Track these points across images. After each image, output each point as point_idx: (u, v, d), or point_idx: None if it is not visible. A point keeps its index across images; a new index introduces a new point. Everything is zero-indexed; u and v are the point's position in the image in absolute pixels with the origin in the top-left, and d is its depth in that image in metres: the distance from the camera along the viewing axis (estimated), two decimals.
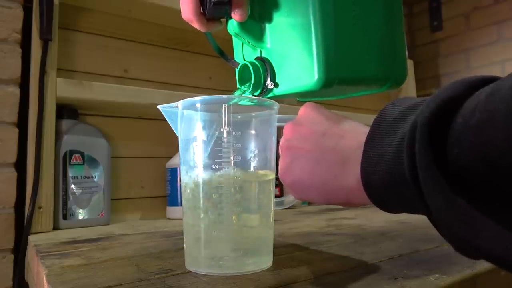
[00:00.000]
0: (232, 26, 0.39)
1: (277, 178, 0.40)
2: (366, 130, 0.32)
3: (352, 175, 0.30)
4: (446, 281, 0.35)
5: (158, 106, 0.41)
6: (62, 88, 0.71)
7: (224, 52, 0.44)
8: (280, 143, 0.38)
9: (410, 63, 1.45)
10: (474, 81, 0.23)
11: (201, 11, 0.38)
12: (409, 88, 1.45)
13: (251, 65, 0.40)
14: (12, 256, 0.66)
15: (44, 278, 0.39)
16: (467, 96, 0.22)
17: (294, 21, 0.37)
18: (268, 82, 0.39)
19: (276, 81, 0.39)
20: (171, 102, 0.40)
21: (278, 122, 0.42)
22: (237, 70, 0.44)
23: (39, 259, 0.46)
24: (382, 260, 0.43)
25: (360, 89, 0.41)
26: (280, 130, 0.42)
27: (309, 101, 0.40)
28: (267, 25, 0.40)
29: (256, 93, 0.41)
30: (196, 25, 0.39)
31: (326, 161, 0.33)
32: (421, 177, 0.23)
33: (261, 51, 0.41)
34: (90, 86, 0.74)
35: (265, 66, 0.40)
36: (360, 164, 0.29)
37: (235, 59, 0.45)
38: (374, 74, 0.39)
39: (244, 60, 0.43)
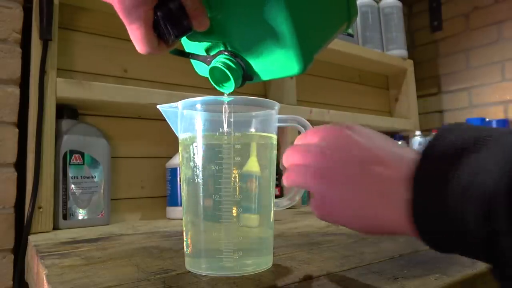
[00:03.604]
0: (195, 37, 0.37)
1: (277, 179, 0.40)
2: (407, 158, 0.29)
3: (393, 208, 0.28)
4: (446, 281, 0.35)
5: (158, 106, 0.41)
6: (62, 88, 0.71)
7: (186, 52, 0.43)
8: (306, 170, 0.33)
9: (410, 63, 1.45)
10: None
11: (158, 39, 0.35)
12: (409, 88, 1.45)
13: (224, 65, 0.37)
14: (12, 256, 0.66)
15: (44, 278, 0.39)
16: None
17: (259, 10, 0.35)
18: (247, 76, 0.38)
19: (255, 70, 0.38)
20: (171, 102, 0.40)
21: (278, 122, 0.42)
22: (196, 67, 0.43)
23: (39, 259, 0.46)
24: (382, 260, 0.43)
25: (332, 41, 0.41)
26: (280, 130, 0.41)
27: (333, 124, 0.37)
28: (231, 21, 0.37)
29: (237, 86, 0.39)
30: (158, 54, 0.36)
31: (363, 191, 0.30)
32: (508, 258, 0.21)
33: (225, 44, 0.38)
34: (90, 86, 0.74)
35: (238, 62, 0.37)
36: (405, 200, 0.27)
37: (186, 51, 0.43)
38: (339, 25, 0.40)
39: (207, 53, 0.41)
